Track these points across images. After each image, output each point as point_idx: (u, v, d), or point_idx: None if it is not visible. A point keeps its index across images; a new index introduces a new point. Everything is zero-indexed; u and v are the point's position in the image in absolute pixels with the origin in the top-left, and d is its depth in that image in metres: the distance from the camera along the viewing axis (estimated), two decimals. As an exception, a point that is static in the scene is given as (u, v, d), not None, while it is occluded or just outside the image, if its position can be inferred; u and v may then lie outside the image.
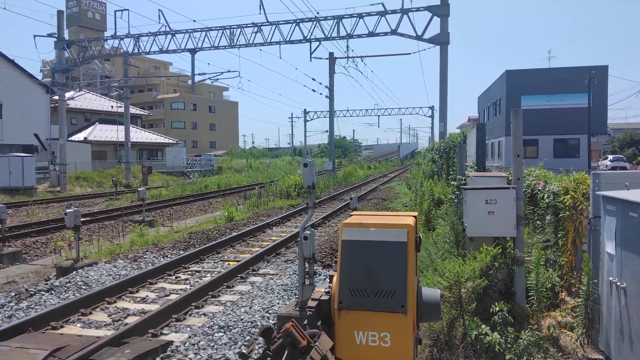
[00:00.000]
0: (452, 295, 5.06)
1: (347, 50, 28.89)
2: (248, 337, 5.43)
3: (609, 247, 4.49)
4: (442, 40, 21.54)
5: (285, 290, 7.23)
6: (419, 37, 22.11)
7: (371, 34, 23.07)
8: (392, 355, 2.13)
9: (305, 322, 2.10)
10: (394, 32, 22.55)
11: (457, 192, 7.66)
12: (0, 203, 12.78)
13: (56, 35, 27.86)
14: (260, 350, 1.90)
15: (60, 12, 28.46)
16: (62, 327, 5.88)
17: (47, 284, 7.67)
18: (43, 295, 7.13)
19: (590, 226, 4.98)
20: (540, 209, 6.70)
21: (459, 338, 5.14)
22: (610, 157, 39.55)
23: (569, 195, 5.70)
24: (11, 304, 6.70)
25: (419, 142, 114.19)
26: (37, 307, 6.62)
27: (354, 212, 2.57)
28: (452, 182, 8.78)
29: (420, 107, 64.09)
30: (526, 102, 34.12)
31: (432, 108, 63.38)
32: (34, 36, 27.30)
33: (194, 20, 34.58)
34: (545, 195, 6.39)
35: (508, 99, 34.67)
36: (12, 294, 7.11)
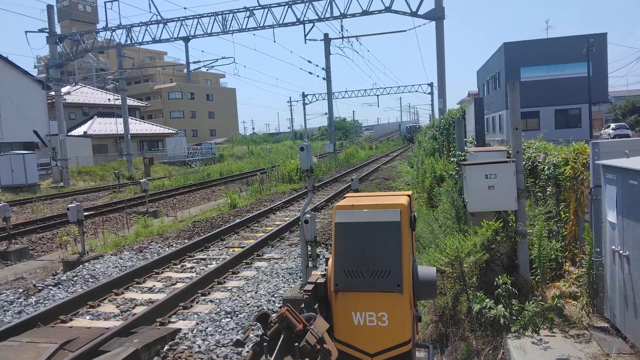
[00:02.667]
0: (454, 270, 5.08)
1: (342, 31, 28.50)
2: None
3: (611, 216, 4.48)
4: (437, 16, 21.25)
5: (290, 274, 7.28)
6: (413, 14, 21.80)
7: (365, 13, 22.76)
8: (390, 334, 2.14)
9: (303, 305, 2.11)
10: (388, 9, 22.24)
11: (457, 169, 7.64)
12: (4, 201, 12.83)
13: (47, 30, 27.63)
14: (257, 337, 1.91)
15: (50, 7, 28.15)
16: (71, 320, 5.96)
17: (54, 278, 7.74)
18: (51, 290, 7.20)
19: (592, 196, 4.96)
20: (541, 181, 6.67)
21: (464, 312, 5.18)
22: (612, 125, 39.27)
23: (569, 166, 5.66)
24: (20, 300, 6.78)
25: (420, 119, 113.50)
26: (45, 301, 6.70)
27: (348, 194, 2.57)
28: (453, 159, 8.74)
29: (419, 85, 63.78)
30: (525, 74, 33.80)
31: (431, 85, 62.85)
32: (26, 32, 27.02)
33: (185, 8, 34.09)
34: (546, 167, 6.36)
35: (507, 72, 34.34)
36: (21, 290, 7.19)
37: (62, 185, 27.35)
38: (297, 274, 7.24)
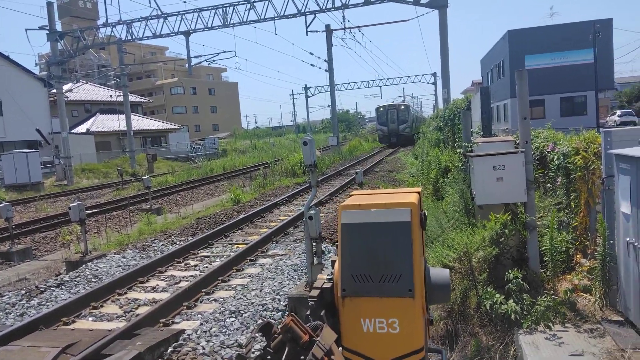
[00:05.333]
0: (462, 266, 4.95)
1: (344, 22, 28.27)
2: (260, 321, 5.37)
3: (625, 207, 4.33)
4: (440, 4, 20.97)
5: (295, 270, 7.16)
6: (416, 2, 21.52)
7: (367, 3, 22.49)
8: (402, 341, 2.02)
9: (308, 312, 1.99)
10: (390, -2, 21.96)
11: (463, 160, 7.48)
12: (6, 201, 12.78)
13: (48, 28, 27.49)
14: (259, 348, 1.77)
15: (50, 4, 27.96)
16: (73, 322, 5.86)
17: (57, 279, 7.65)
18: (54, 291, 7.11)
19: (604, 186, 4.80)
20: (550, 172, 6.51)
21: (474, 308, 5.05)
22: (618, 112, 38.86)
23: (579, 156, 5.50)
24: (22, 302, 6.70)
25: (423, 110, 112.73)
26: (48, 303, 6.61)
27: (354, 193, 2.42)
28: (458, 150, 8.57)
29: (423, 75, 63.20)
30: (530, 62, 33.40)
31: (434, 75, 62.39)
32: (26, 30, 26.91)
33: (185, 2, 33.68)
34: (555, 157, 6.19)
35: (512, 60, 33.96)
36: (23, 291, 7.11)
37: (66, 183, 27.33)
38: (302, 270, 7.12)
